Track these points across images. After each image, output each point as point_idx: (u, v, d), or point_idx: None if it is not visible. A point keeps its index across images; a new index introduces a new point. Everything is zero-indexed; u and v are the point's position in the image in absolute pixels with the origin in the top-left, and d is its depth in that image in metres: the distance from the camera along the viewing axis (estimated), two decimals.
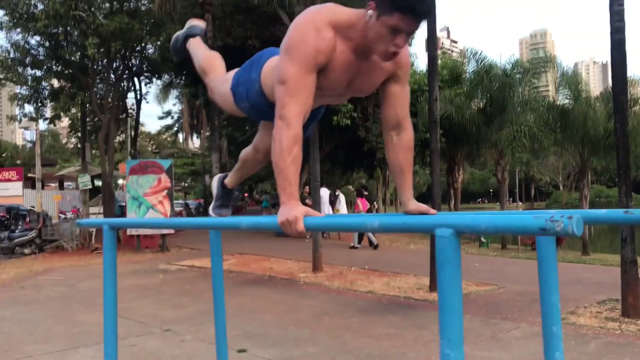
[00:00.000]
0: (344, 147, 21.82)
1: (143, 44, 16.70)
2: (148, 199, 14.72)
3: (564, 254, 17.85)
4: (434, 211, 1.83)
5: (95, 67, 16.67)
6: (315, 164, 10.43)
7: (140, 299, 8.59)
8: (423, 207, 1.87)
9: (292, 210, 1.65)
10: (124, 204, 23.97)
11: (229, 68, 2.49)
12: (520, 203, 69.03)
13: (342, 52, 1.82)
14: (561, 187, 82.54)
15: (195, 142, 55.46)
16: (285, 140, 1.72)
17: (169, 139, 56.13)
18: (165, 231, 15.02)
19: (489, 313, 7.11)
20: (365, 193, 18.56)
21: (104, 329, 2.52)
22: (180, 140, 55.60)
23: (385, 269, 10.84)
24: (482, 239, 21.25)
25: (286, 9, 14.30)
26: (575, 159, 21.49)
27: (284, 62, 1.82)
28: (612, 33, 6.75)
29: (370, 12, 1.70)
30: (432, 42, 8.69)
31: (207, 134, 40.27)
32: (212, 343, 5.99)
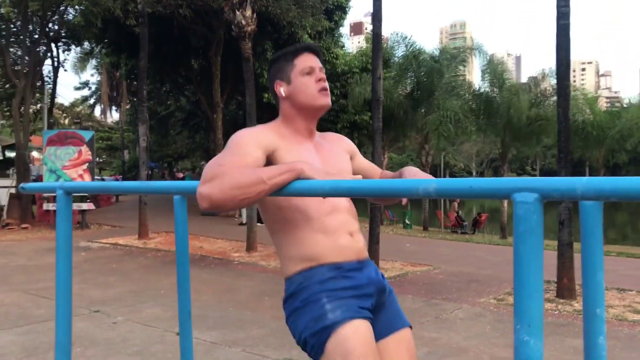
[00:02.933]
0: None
1: (63, 7, 15.54)
2: (67, 172, 13.79)
3: (487, 237, 18.46)
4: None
5: (9, 28, 15.38)
6: None
7: None
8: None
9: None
10: (37, 177, 22.57)
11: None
12: None
13: (287, 135, 1.76)
14: (474, 173, 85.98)
15: (113, 116, 53.17)
16: (228, 181, 1.45)
17: (83, 111, 53.48)
18: (85, 207, 14.19)
19: (429, 293, 7.11)
20: None
21: (56, 310, 2.16)
22: (97, 113, 53.15)
23: None
24: (407, 221, 21.64)
25: None
26: (497, 145, 22.21)
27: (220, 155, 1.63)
28: (558, 18, 6.82)
29: (281, 89, 1.79)
30: (377, 19, 8.52)
31: (127, 107, 38.65)
32: (147, 325, 5.64)
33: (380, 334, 1.72)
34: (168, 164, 52.61)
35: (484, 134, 22.91)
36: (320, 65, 1.81)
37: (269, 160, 1.64)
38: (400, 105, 21.54)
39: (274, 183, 1.43)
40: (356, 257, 1.71)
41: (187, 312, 2.75)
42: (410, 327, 1.82)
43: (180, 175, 43.36)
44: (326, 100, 1.78)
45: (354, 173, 1.90)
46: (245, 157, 1.56)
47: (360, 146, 26.27)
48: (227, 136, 22.41)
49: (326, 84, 1.79)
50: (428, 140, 23.48)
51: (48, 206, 14.36)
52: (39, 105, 23.77)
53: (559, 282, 6.89)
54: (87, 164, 14.16)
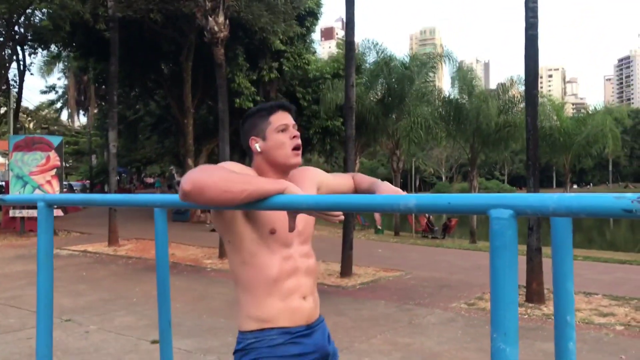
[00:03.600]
0: None
1: (30, 10, 15.28)
2: (34, 178, 13.55)
3: (457, 242, 18.68)
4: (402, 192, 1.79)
5: None
6: (224, 146, 10.05)
7: (31, 286, 7.84)
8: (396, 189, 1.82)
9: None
10: (2, 182, 22.09)
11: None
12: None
13: None
14: (443, 178, 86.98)
15: (81, 120, 52.29)
16: (217, 172, 1.50)
17: (49, 115, 52.48)
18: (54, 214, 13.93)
19: (401, 299, 7.19)
20: None
21: (37, 322, 2.15)
22: (64, 118, 52.22)
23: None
24: (379, 226, 21.77)
25: None
26: (466, 151, 22.52)
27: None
28: (526, 29, 6.99)
29: (256, 145, 1.85)
30: (350, 27, 8.61)
31: (95, 111, 38.09)
32: (120, 334, 5.59)
33: None
34: (137, 168, 51.94)
35: (453, 139, 23.20)
36: (294, 122, 1.88)
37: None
38: (371, 111, 21.71)
39: (259, 187, 1.46)
40: (306, 321, 1.81)
41: (167, 321, 2.76)
42: None
43: (150, 180, 42.85)
44: (298, 160, 1.86)
45: (332, 192, 1.99)
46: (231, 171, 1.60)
47: (332, 152, 26.41)
48: (197, 141, 22.19)
49: (299, 141, 1.86)
50: (399, 146, 23.71)
51: (14, 213, 14.08)
52: (3, 110, 23.26)
53: (528, 286, 7.03)
54: (55, 170, 13.93)
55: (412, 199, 1.31)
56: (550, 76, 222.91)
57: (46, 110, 50.58)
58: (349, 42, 8.58)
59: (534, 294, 6.89)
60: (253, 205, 1.50)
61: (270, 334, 1.74)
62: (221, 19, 9.92)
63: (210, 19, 9.89)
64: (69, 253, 11.33)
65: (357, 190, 2.03)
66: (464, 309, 6.70)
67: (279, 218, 1.74)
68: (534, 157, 6.89)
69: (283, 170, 1.86)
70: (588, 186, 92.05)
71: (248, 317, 1.77)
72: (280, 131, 1.84)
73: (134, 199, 2.25)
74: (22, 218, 14.01)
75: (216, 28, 9.82)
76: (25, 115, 49.73)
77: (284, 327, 1.75)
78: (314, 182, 1.97)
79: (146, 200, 2.27)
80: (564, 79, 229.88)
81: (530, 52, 6.97)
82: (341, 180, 2.06)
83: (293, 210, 1.55)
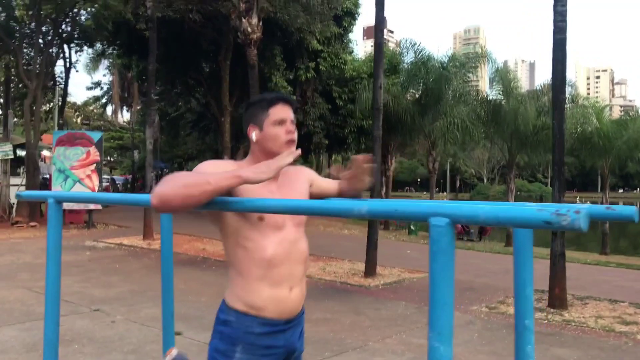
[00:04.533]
0: None
1: (76, 9, 15.84)
2: (75, 172, 14.07)
3: (489, 245, 18.50)
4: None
5: (23, 30, 15.70)
6: None
7: (67, 277, 8.19)
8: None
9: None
10: (47, 175, 22.90)
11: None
12: (444, 193, 71.33)
13: None
14: (485, 180, 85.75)
15: (124, 116, 53.64)
16: (178, 180, 1.60)
17: (95, 110, 54.01)
18: (92, 207, 14.44)
19: (422, 300, 7.23)
20: None
21: (45, 310, 2.33)
22: (109, 113, 53.63)
23: (320, 253, 10.83)
24: (412, 227, 21.71)
25: None
26: (504, 153, 22.22)
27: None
28: (554, 32, 6.94)
29: (253, 133, 1.93)
30: (379, 29, 8.68)
31: (138, 107, 39.01)
32: (144, 324, 5.82)
33: None
34: (178, 164, 52.94)
35: (491, 141, 22.94)
36: (292, 117, 1.94)
37: (229, 193, 1.73)
38: (407, 110, 21.64)
39: (218, 185, 1.57)
40: (288, 315, 1.92)
41: (170, 312, 2.92)
42: None
43: None
44: (292, 151, 1.91)
45: (314, 194, 2.07)
46: (200, 175, 1.69)
47: (366, 151, 26.38)
48: (235, 139, 22.53)
49: (294, 136, 1.93)
50: (435, 147, 23.57)
51: None
52: (50, 105, 24.13)
53: (550, 292, 6.99)
54: (95, 165, 14.43)
55: (365, 204, 1.42)
56: (598, 77, 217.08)
57: (92, 106, 52.10)
58: (378, 44, 8.65)
59: (556, 300, 6.85)
60: (225, 205, 1.63)
61: (252, 321, 1.84)
62: (254, 20, 10.13)
63: (244, 20, 10.10)
64: (105, 245, 11.73)
65: (340, 192, 2.12)
66: (484, 312, 6.71)
67: None
68: (560, 161, 6.84)
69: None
70: (635, 191, 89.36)
71: (236, 297, 1.87)
72: (277, 124, 1.90)
73: (131, 198, 2.40)
74: (63, 210, 14.52)
75: (249, 29, 10.03)
76: (73, 111, 51.33)
77: (267, 318, 1.85)
78: (306, 180, 2.08)
79: (139, 200, 2.39)
80: (612, 80, 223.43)
81: (558, 56, 6.92)
82: (329, 183, 2.16)
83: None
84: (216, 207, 1.62)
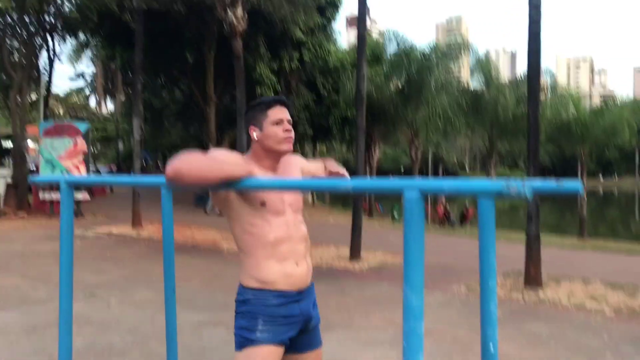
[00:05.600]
0: None
1: (60, 0, 15.86)
2: (63, 162, 14.19)
3: (470, 230, 18.89)
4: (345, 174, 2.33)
5: (6, 20, 15.69)
6: (242, 135, 10.46)
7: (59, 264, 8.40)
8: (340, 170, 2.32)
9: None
10: (33, 167, 22.85)
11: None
12: None
13: (254, 167, 2.12)
14: (467, 168, 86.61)
15: (108, 107, 53.35)
16: (194, 158, 1.83)
17: (78, 102, 53.66)
18: (80, 197, 14.59)
19: None
20: None
21: (59, 295, 2.56)
22: (92, 104, 53.34)
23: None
24: (395, 216, 22.11)
25: None
26: (485, 141, 22.67)
27: None
28: (530, 24, 7.26)
29: (254, 133, 2.18)
30: (362, 20, 8.93)
31: (122, 98, 38.87)
32: (139, 307, 6.06)
33: (299, 348, 2.25)
34: (163, 154, 52.78)
35: (472, 130, 23.36)
36: (289, 117, 2.19)
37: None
38: (391, 100, 21.97)
39: (229, 170, 1.80)
40: (298, 287, 2.18)
41: (171, 289, 3.18)
42: (321, 346, 2.36)
43: None
44: (289, 146, 2.19)
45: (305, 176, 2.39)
46: (216, 159, 1.96)
47: (351, 141, 26.71)
48: (220, 129, 22.64)
49: (292, 133, 2.18)
50: (418, 136, 23.93)
51: (44, 195, 14.74)
52: (34, 96, 24.04)
53: (526, 272, 7.34)
54: (82, 155, 14.55)
55: (350, 182, 1.69)
56: (578, 67, 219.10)
57: (75, 97, 51.73)
58: (360, 36, 8.90)
59: (531, 279, 7.20)
60: (228, 186, 1.90)
61: (267, 295, 2.11)
62: (240, 12, 10.31)
63: (229, 12, 10.28)
64: (95, 234, 11.92)
65: (326, 173, 2.42)
66: (463, 292, 7.04)
67: (267, 193, 2.11)
68: (535, 148, 7.17)
69: (276, 156, 2.20)
70: (613, 178, 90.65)
71: (250, 276, 2.14)
72: (276, 124, 2.14)
73: (143, 180, 2.65)
74: (52, 201, 14.69)
75: (235, 21, 10.21)
76: (55, 102, 50.91)
77: (280, 290, 2.13)
78: (298, 166, 2.36)
79: (152, 181, 2.67)
80: (592, 70, 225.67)
81: (533, 47, 7.23)
82: (315, 165, 2.46)
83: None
84: (223, 186, 1.89)
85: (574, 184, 1.98)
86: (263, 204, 2.10)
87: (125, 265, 8.68)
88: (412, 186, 1.55)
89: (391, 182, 1.65)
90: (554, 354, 4.67)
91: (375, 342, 4.90)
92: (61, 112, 47.34)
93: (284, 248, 2.14)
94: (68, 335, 2.64)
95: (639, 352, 4.76)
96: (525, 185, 1.37)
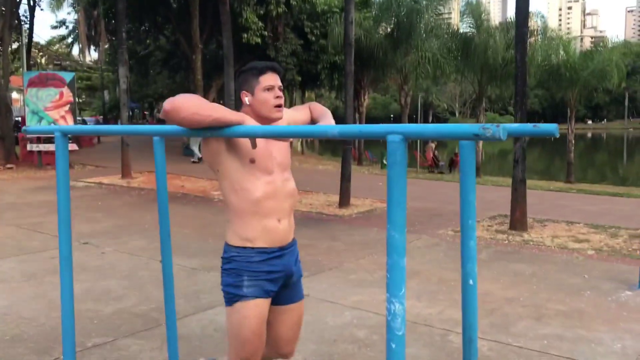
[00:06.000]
0: None
1: None
2: (49, 113, 14.06)
3: (454, 176, 19.07)
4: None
5: None
6: (230, 82, 10.41)
7: (52, 214, 8.41)
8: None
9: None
10: (18, 118, 22.64)
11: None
12: None
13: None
14: (457, 114, 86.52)
15: (92, 55, 52.33)
16: (192, 98, 1.97)
17: (61, 50, 52.52)
18: (69, 147, 14.53)
19: None
20: None
21: (59, 243, 2.64)
22: (75, 53, 52.26)
23: (296, 187, 11.20)
24: (384, 162, 22.21)
25: None
26: (474, 86, 22.61)
27: None
28: None
29: (246, 98, 2.25)
30: None
31: (106, 46, 38.11)
32: (132, 254, 6.18)
33: (281, 301, 2.38)
34: (149, 104, 52.27)
35: (462, 74, 23.25)
36: (280, 84, 2.26)
37: (226, 142, 2.15)
38: (380, 45, 21.73)
39: (222, 115, 1.94)
40: (280, 243, 2.29)
41: (167, 235, 3.27)
42: (303, 298, 2.50)
43: (159, 115, 43.11)
44: (279, 114, 2.26)
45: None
46: (212, 103, 2.06)
47: (339, 88, 26.54)
48: (207, 76, 22.35)
49: (282, 100, 2.26)
50: (407, 81, 23.81)
51: (32, 147, 14.68)
52: (16, 45, 23.55)
53: (512, 215, 7.52)
54: (68, 105, 14.41)
55: (336, 128, 1.76)
56: (570, 8, 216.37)
57: (57, 46, 50.60)
58: None
59: (517, 222, 7.38)
60: (219, 131, 1.97)
61: (250, 252, 2.23)
62: None
63: None
64: (85, 185, 11.95)
65: (312, 118, 2.50)
66: (450, 235, 7.22)
67: (257, 151, 2.18)
68: (522, 92, 7.22)
69: (266, 122, 2.26)
70: (603, 122, 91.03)
71: (234, 234, 2.25)
72: (267, 90, 2.22)
73: (136, 128, 2.71)
74: (40, 152, 14.63)
75: None
76: (37, 51, 49.80)
77: (262, 247, 2.24)
78: (285, 121, 2.41)
79: (146, 130, 2.74)
80: (583, 11, 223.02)
81: None
82: (300, 112, 2.53)
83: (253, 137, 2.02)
84: (215, 132, 1.96)
85: (549, 127, 2.07)
86: (252, 161, 2.18)
87: (117, 214, 8.77)
88: (395, 131, 1.62)
89: (376, 128, 1.72)
90: (535, 292, 4.86)
91: (364, 284, 5.06)
92: (44, 61, 46.42)
93: (269, 205, 2.23)
94: (69, 280, 2.75)
95: (617, 288, 4.95)
96: (500, 128, 1.44)
